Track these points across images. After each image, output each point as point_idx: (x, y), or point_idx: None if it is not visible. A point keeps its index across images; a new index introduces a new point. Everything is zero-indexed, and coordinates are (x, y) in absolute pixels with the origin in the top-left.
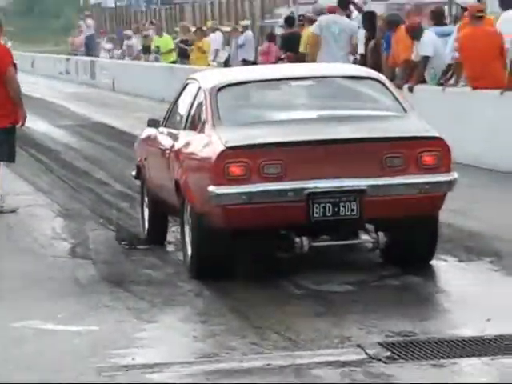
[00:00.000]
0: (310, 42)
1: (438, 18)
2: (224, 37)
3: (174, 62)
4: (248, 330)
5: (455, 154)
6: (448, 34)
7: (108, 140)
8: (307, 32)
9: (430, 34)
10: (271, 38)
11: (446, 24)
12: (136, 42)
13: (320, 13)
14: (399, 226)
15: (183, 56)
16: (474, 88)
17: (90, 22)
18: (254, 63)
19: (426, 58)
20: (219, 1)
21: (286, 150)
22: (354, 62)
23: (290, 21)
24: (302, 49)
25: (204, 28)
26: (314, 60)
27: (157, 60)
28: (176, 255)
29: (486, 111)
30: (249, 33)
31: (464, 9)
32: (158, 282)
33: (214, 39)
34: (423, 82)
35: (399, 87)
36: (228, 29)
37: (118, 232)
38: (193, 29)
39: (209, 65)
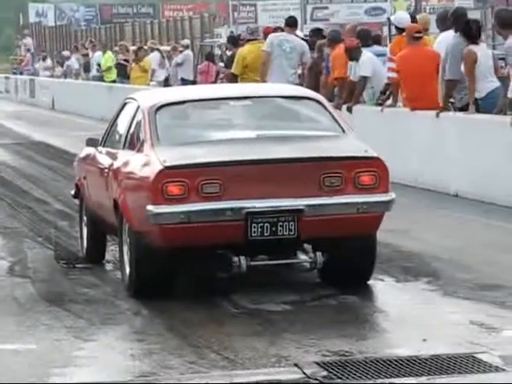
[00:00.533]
0: (261, 59)
1: (363, 39)
2: (162, 56)
3: (114, 81)
4: (186, 348)
5: (393, 174)
6: (382, 55)
7: (47, 159)
8: (241, 53)
9: (368, 54)
10: (210, 57)
11: (371, 45)
12: (74, 62)
13: (253, 32)
14: (337, 246)
15: (123, 75)
16: (412, 109)
17: (28, 41)
18: (194, 82)
19: (364, 79)
20: (159, 21)
21: (225, 169)
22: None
23: (233, 40)
24: (233, 69)
25: (145, 47)
26: (264, 77)
27: (97, 78)
28: (114, 274)
29: (424, 132)
30: (187, 52)
31: (399, 29)
32: (97, 301)
33: (152, 59)
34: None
35: (337, 107)
36: (168, 48)
37: (57, 251)
38: (132, 48)
39: (148, 84)
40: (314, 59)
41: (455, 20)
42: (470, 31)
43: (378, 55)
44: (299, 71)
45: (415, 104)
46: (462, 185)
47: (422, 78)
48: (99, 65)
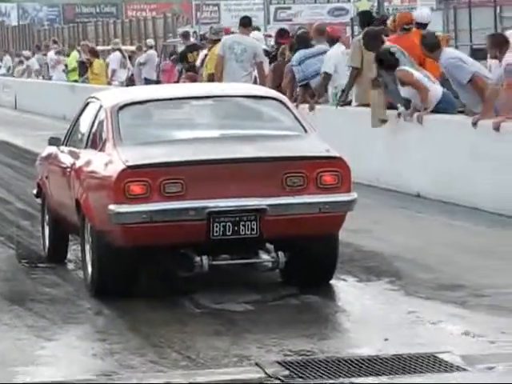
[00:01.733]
0: (215, 62)
1: (302, 43)
2: (123, 56)
3: (76, 80)
4: (147, 348)
5: (355, 174)
6: (319, 54)
7: (9, 158)
8: (212, 53)
9: (332, 51)
10: (173, 56)
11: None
12: (34, 62)
13: (217, 32)
14: (299, 246)
15: (84, 74)
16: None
17: None
18: (157, 82)
19: (325, 75)
20: (122, 21)
21: (187, 168)
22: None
23: (185, 34)
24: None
25: (97, 48)
26: (219, 80)
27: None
28: (76, 273)
29: (386, 131)
30: (151, 52)
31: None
32: (58, 300)
33: (113, 59)
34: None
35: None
36: (131, 48)
37: (19, 250)
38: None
39: (109, 84)
40: (277, 62)
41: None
42: (431, 41)
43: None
44: (255, 72)
45: None
46: (423, 185)
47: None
48: (65, 65)
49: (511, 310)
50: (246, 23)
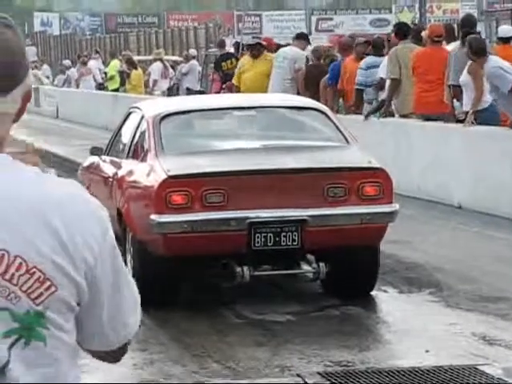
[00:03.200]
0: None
1: (377, 50)
2: (165, 66)
3: (117, 89)
4: (188, 358)
5: (397, 185)
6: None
7: (49, 167)
8: (241, 63)
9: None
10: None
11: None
12: (73, 71)
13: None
14: (340, 257)
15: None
16: (417, 112)
17: (31, 49)
18: (200, 92)
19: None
20: (164, 30)
21: (228, 179)
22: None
23: (220, 43)
24: (234, 80)
25: (139, 58)
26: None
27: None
28: None
29: (427, 142)
30: (193, 61)
31: (502, 39)
32: None
33: (154, 69)
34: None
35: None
36: (174, 58)
37: None
38: (137, 58)
39: (151, 94)
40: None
41: (463, 28)
42: (478, 46)
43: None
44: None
45: (422, 106)
46: (465, 196)
47: (434, 77)
48: (105, 73)
49: None
50: (298, 36)
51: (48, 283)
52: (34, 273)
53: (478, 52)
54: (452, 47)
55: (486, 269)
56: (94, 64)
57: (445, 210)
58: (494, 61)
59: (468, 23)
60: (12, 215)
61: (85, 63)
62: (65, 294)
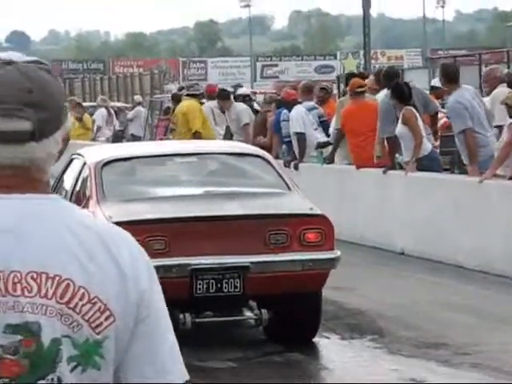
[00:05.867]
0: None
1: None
2: (109, 113)
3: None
4: None
5: (339, 232)
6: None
7: None
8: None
9: (297, 110)
10: (161, 112)
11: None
12: None
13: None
14: (282, 303)
15: None
16: (358, 166)
17: None
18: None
19: (298, 134)
20: (109, 77)
21: (171, 225)
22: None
23: (176, 97)
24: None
25: (84, 103)
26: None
27: None
28: None
29: (369, 189)
30: (138, 108)
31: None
32: None
33: (98, 116)
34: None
35: (285, 165)
36: (119, 104)
37: None
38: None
39: (94, 140)
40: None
41: (387, 80)
42: (402, 93)
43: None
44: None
45: (360, 156)
46: (407, 242)
47: (365, 131)
48: None
49: (493, 368)
50: (223, 96)
51: (108, 313)
52: (96, 303)
53: (452, 77)
54: (381, 95)
55: (428, 315)
56: None
57: (388, 257)
58: (462, 95)
59: (392, 75)
60: (77, 247)
61: None
62: (122, 325)
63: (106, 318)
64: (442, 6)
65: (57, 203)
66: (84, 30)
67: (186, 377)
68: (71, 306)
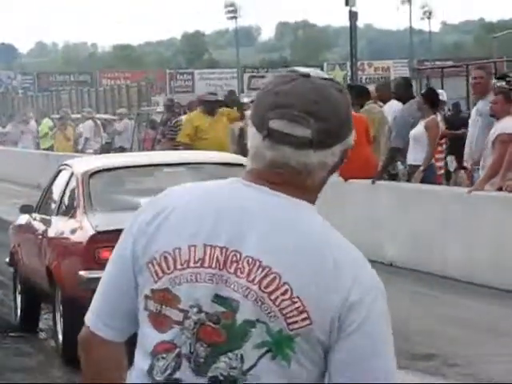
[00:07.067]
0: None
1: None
2: (96, 125)
3: (51, 147)
4: None
5: None
6: None
7: None
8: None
9: None
10: (148, 124)
11: None
12: (10, 130)
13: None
14: None
15: None
16: (346, 178)
17: None
18: (130, 151)
19: None
20: (96, 89)
21: None
22: None
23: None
24: (179, 138)
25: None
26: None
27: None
28: (48, 342)
29: (358, 201)
30: (127, 121)
31: None
32: (30, 369)
33: (86, 128)
34: None
35: None
36: (105, 116)
37: None
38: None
39: (83, 152)
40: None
41: (401, 90)
42: (435, 99)
43: None
44: None
45: (348, 172)
46: (397, 254)
47: (355, 144)
48: (37, 131)
49: (480, 380)
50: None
51: (304, 315)
52: (296, 302)
53: (435, 105)
54: (389, 106)
55: (417, 326)
56: (34, 124)
57: (376, 268)
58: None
59: (407, 85)
60: (294, 247)
61: (27, 122)
62: (317, 329)
63: (303, 320)
64: (429, 17)
65: (310, 213)
66: (71, 42)
67: None
68: (272, 297)
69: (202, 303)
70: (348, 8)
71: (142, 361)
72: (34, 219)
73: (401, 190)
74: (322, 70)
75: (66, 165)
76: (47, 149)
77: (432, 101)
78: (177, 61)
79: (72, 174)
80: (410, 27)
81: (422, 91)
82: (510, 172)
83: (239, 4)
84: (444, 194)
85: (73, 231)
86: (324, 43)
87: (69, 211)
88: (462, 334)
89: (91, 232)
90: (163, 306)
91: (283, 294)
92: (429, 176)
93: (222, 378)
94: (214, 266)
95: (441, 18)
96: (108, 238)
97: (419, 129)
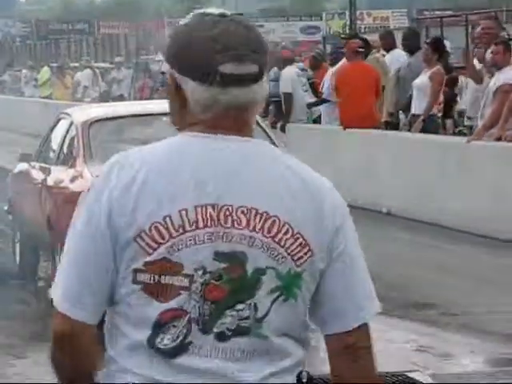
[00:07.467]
0: None
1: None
2: (94, 74)
3: (51, 95)
4: None
5: None
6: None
7: None
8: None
9: (286, 71)
10: (146, 73)
11: None
12: (7, 78)
13: None
14: None
15: None
16: (346, 127)
17: None
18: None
19: (286, 95)
20: (94, 38)
21: None
22: None
23: None
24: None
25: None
26: None
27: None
28: (47, 291)
29: (356, 150)
30: (127, 70)
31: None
32: (29, 318)
33: (84, 77)
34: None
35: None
36: (103, 65)
37: None
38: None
39: (81, 101)
40: None
41: (410, 40)
42: (442, 48)
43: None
44: None
45: (349, 118)
46: (393, 203)
47: (358, 92)
48: (36, 79)
49: (479, 329)
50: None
51: (307, 248)
52: (298, 238)
53: (441, 55)
54: (392, 55)
55: (415, 275)
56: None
57: (373, 217)
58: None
59: (414, 35)
60: (284, 189)
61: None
62: (318, 259)
63: (306, 253)
64: None
65: (269, 147)
66: None
67: (378, 309)
68: (277, 239)
69: (206, 264)
70: None
71: (134, 333)
72: (33, 168)
73: (399, 139)
74: (321, 19)
75: (65, 113)
76: (46, 97)
77: (438, 50)
78: (177, 9)
79: (71, 123)
80: None
81: (426, 40)
82: (509, 122)
83: None
84: (442, 143)
85: (72, 180)
86: None
87: (68, 160)
88: (460, 283)
89: (91, 181)
90: (162, 276)
91: (285, 233)
92: (429, 126)
93: (229, 332)
94: (209, 224)
95: None
96: None
97: (423, 79)
